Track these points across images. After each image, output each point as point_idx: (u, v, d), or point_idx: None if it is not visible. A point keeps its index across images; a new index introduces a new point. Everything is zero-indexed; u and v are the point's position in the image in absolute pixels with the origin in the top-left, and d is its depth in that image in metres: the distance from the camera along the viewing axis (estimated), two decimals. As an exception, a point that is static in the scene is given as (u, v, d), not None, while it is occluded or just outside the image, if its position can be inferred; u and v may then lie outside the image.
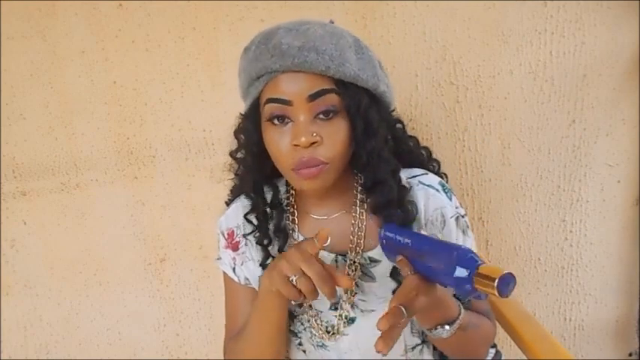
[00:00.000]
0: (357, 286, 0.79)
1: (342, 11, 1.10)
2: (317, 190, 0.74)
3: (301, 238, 0.82)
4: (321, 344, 0.82)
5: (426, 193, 0.78)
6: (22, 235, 1.26)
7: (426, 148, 0.88)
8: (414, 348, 0.82)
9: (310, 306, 0.81)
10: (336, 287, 0.65)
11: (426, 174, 0.81)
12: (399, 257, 0.67)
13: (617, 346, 1.35)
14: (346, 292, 0.79)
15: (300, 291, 0.65)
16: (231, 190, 0.90)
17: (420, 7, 1.10)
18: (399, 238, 0.69)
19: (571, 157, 1.19)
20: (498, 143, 1.19)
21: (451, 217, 0.78)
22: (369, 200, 0.79)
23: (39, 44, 1.14)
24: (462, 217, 0.80)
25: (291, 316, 0.83)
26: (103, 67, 1.16)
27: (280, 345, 0.80)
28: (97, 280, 1.29)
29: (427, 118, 1.17)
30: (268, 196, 0.83)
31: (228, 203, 0.90)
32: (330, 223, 0.80)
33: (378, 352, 0.60)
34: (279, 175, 0.77)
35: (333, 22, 0.75)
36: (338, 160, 0.71)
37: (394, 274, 0.78)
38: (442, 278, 0.60)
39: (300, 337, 0.84)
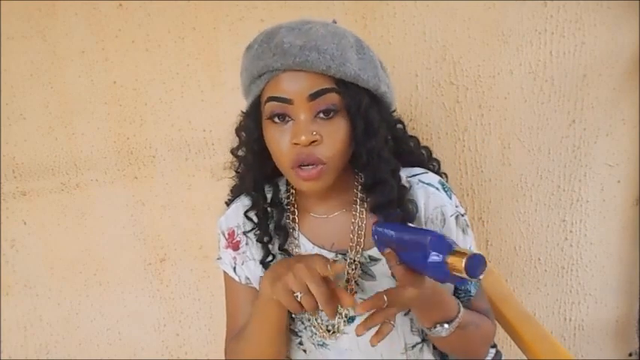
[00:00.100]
0: (357, 284, 0.79)
1: (342, 11, 1.10)
2: (317, 191, 0.74)
3: (301, 236, 0.82)
4: (321, 343, 0.82)
5: (426, 191, 0.78)
6: (22, 235, 1.26)
7: (426, 148, 0.88)
8: (413, 347, 0.82)
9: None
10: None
11: (426, 173, 0.81)
12: (387, 250, 0.67)
13: (617, 346, 1.35)
14: (346, 291, 0.79)
15: (301, 305, 0.65)
16: (231, 190, 0.90)
17: (420, 7, 1.10)
18: (386, 231, 0.69)
19: (571, 157, 1.19)
20: (498, 143, 1.19)
21: (451, 215, 0.79)
22: (369, 199, 0.79)
23: (39, 44, 1.14)
24: (462, 215, 0.80)
25: (292, 316, 0.83)
26: (103, 67, 1.16)
27: (281, 345, 0.80)
28: (97, 280, 1.29)
29: (427, 118, 1.17)
30: (269, 195, 0.83)
31: (228, 203, 0.90)
32: (330, 221, 0.81)
33: (373, 345, 0.62)
34: (280, 175, 0.78)
35: (335, 22, 0.76)
36: (337, 159, 0.71)
37: (394, 272, 0.78)
38: (422, 266, 0.60)
39: (300, 336, 0.84)
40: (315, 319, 0.81)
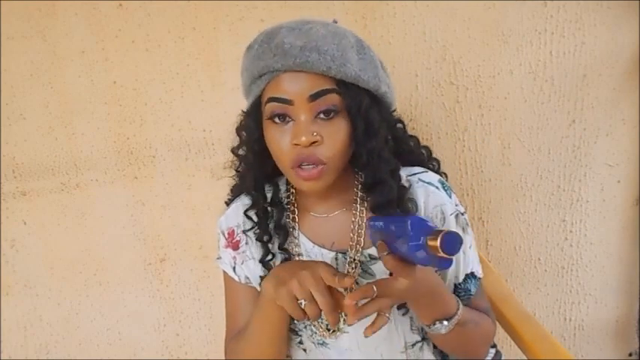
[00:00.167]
0: (357, 283, 0.79)
1: (342, 11, 1.10)
2: (317, 191, 0.74)
3: (301, 235, 0.82)
4: (321, 342, 0.82)
5: (425, 190, 0.78)
6: (22, 235, 1.26)
7: (426, 148, 0.88)
8: (413, 345, 0.82)
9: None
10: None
11: (426, 172, 0.81)
12: (378, 242, 0.67)
13: (617, 346, 1.35)
14: (346, 290, 0.79)
15: (304, 312, 0.65)
16: (231, 190, 0.90)
17: (420, 7, 1.10)
18: (376, 223, 0.69)
19: (571, 157, 1.19)
20: (498, 143, 1.19)
21: (451, 214, 0.79)
22: (369, 199, 0.79)
23: (39, 44, 1.14)
24: (462, 214, 0.80)
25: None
26: (103, 67, 1.16)
27: (281, 345, 0.80)
28: (97, 280, 1.29)
29: (427, 118, 1.17)
30: (269, 195, 0.83)
31: (228, 203, 0.90)
32: (330, 221, 0.81)
33: (366, 336, 0.63)
34: (280, 174, 0.78)
35: (336, 22, 0.76)
36: (337, 159, 0.71)
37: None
38: (407, 251, 0.61)
39: (300, 335, 0.84)
40: (315, 319, 0.81)
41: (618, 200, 1.23)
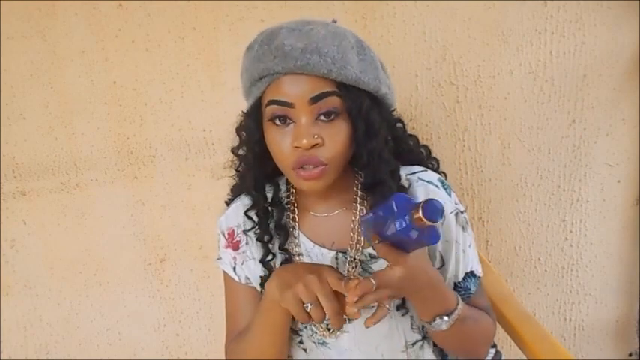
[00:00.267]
0: (357, 282, 0.79)
1: (342, 11, 1.10)
2: (318, 191, 0.74)
3: (301, 235, 0.82)
4: (321, 341, 0.82)
5: (425, 189, 0.79)
6: (22, 235, 1.26)
7: (425, 147, 0.88)
8: (414, 344, 0.82)
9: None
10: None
11: (426, 171, 0.82)
12: (371, 235, 0.67)
13: (617, 346, 1.35)
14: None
15: (309, 315, 0.66)
16: (231, 189, 0.90)
17: (420, 7, 1.10)
18: (367, 217, 0.69)
19: (571, 157, 1.19)
20: (498, 143, 1.19)
21: (450, 213, 0.79)
22: (368, 198, 0.79)
23: (39, 44, 1.14)
24: (462, 213, 0.80)
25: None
26: (103, 67, 1.16)
27: (283, 346, 0.80)
28: (97, 280, 1.29)
29: (427, 118, 1.17)
30: (269, 195, 0.83)
31: (228, 203, 0.90)
32: (331, 220, 0.81)
33: (367, 326, 0.64)
34: (280, 174, 0.78)
35: (335, 22, 0.76)
36: (338, 160, 0.71)
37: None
38: (397, 232, 0.60)
39: (300, 335, 0.84)
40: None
41: (618, 200, 1.23)
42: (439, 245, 0.79)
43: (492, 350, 0.88)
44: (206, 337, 1.35)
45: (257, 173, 0.81)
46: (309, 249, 0.81)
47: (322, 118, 0.69)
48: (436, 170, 0.86)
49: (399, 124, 0.84)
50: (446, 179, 0.83)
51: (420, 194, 0.78)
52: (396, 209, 0.60)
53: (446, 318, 0.71)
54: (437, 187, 0.79)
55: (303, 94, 0.68)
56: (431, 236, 0.60)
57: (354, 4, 1.10)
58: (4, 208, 1.25)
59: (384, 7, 1.10)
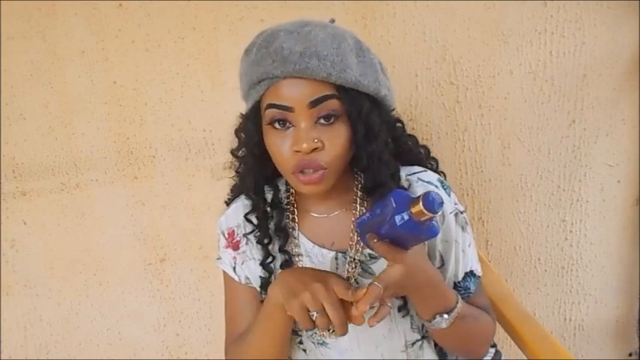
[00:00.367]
0: (357, 282, 0.79)
1: (342, 11, 1.10)
2: (318, 194, 0.74)
3: (301, 236, 0.82)
4: (321, 342, 0.82)
5: (425, 189, 0.78)
6: (22, 235, 1.26)
7: (425, 147, 0.88)
8: (414, 344, 0.82)
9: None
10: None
11: (425, 171, 0.82)
12: (368, 235, 0.67)
13: (617, 346, 1.35)
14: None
15: (314, 323, 0.66)
16: (231, 189, 0.90)
17: (420, 7, 1.10)
18: (362, 218, 0.69)
19: (571, 157, 1.19)
20: (498, 143, 1.19)
21: (450, 212, 0.79)
22: (368, 199, 0.79)
23: (39, 44, 1.14)
24: (461, 213, 0.80)
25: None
26: (103, 67, 1.16)
27: (283, 347, 0.80)
28: (97, 280, 1.29)
29: (427, 118, 1.17)
30: (269, 196, 0.83)
31: (228, 203, 0.90)
32: (330, 221, 0.81)
33: (370, 325, 0.63)
34: (280, 175, 0.78)
35: (334, 21, 0.75)
36: (338, 163, 0.71)
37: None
38: (398, 228, 0.60)
39: (300, 335, 0.84)
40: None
41: (618, 200, 1.23)
42: (439, 245, 0.79)
43: (492, 350, 0.88)
44: (206, 337, 1.35)
45: (256, 175, 0.81)
46: (308, 249, 0.81)
47: (322, 121, 0.69)
48: (435, 170, 0.86)
49: (398, 124, 0.84)
50: (445, 179, 0.84)
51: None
52: (394, 205, 0.60)
53: (445, 316, 0.72)
54: (436, 187, 0.79)
55: (303, 98, 0.68)
56: (430, 230, 0.60)
57: (354, 4, 1.10)
58: (4, 208, 1.25)
59: (384, 7, 1.10)
